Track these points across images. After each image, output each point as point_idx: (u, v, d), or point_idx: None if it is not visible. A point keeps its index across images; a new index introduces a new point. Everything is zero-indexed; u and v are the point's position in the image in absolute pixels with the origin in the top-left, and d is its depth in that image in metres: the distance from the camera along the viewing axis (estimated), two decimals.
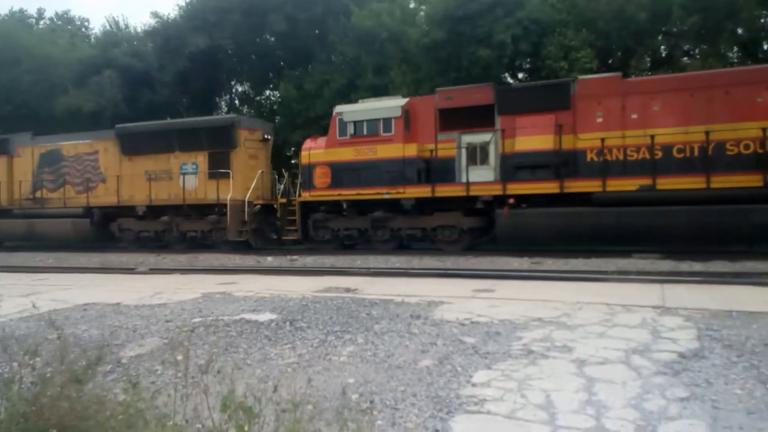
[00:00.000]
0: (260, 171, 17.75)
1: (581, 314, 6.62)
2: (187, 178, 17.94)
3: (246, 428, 2.77)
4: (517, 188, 13.75)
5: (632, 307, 6.89)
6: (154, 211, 18.40)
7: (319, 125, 20.03)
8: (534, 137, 13.64)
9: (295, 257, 15.09)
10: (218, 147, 17.50)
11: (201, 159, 17.80)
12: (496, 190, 13.98)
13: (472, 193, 14.26)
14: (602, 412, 3.76)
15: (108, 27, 28.75)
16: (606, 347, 5.19)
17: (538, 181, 13.61)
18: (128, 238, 19.16)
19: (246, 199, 16.92)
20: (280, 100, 24.89)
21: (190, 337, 6.10)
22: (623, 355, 4.93)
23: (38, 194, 20.41)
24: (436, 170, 14.74)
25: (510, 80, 21.27)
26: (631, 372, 4.51)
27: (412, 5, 24.56)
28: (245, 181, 17.20)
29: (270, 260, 15.07)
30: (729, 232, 12.01)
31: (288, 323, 6.69)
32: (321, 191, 15.79)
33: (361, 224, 15.80)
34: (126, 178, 18.77)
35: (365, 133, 15.21)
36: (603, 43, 19.24)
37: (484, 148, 14.52)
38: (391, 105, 15.21)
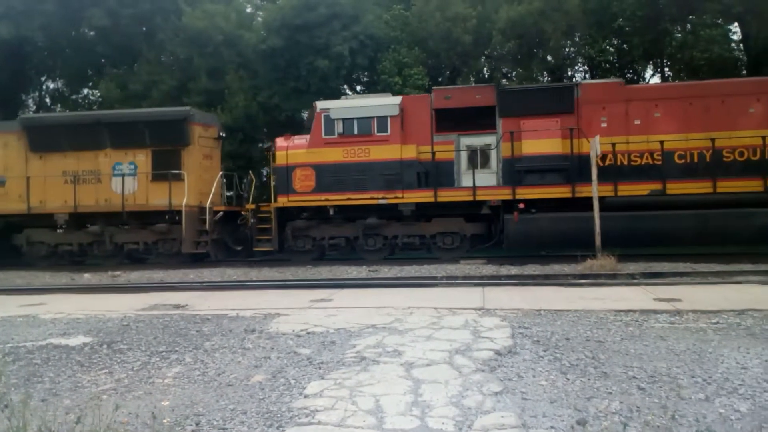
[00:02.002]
0: (220, 173, 15.70)
1: (412, 319, 6.90)
2: (120, 180, 15.16)
3: None
4: (527, 193, 13.29)
5: (457, 310, 7.35)
6: (78, 220, 15.45)
7: None
8: (542, 141, 13.26)
9: (117, 273, 13.80)
10: (165, 144, 15.11)
11: (142, 158, 15.24)
12: (505, 194, 13.40)
13: (478, 198, 13.54)
14: (426, 411, 3.93)
15: None
16: (432, 349, 5.45)
17: (549, 186, 13.27)
18: (39, 254, 15.82)
19: (207, 205, 14.83)
20: (101, 99, 22.80)
21: None
22: (447, 356, 5.22)
23: None
24: (433, 174, 13.85)
25: (348, 92, 21.76)
26: (454, 371, 4.79)
27: (249, 9, 24.06)
28: (199, 185, 15.13)
29: (87, 277, 13.63)
30: (733, 235, 12.66)
31: (105, 346, 6.10)
32: (303, 196, 14.18)
33: (350, 232, 14.46)
34: (36, 181, 15.46)
35: (356, 132, 13.96)
36: (433, 61, 20.49)
37: (485, 151, 14.00)
38: (387, 103, 14.15)
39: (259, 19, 22.65)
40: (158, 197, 15.02)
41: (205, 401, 4.37)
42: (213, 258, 15.36)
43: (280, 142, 14.70)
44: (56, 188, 15.41)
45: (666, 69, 20.34)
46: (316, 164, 14.07)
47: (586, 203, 12.65)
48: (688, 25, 18.97)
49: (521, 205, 13.23)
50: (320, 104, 14.43)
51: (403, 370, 4.85)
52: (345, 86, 21.59)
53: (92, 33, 22.45)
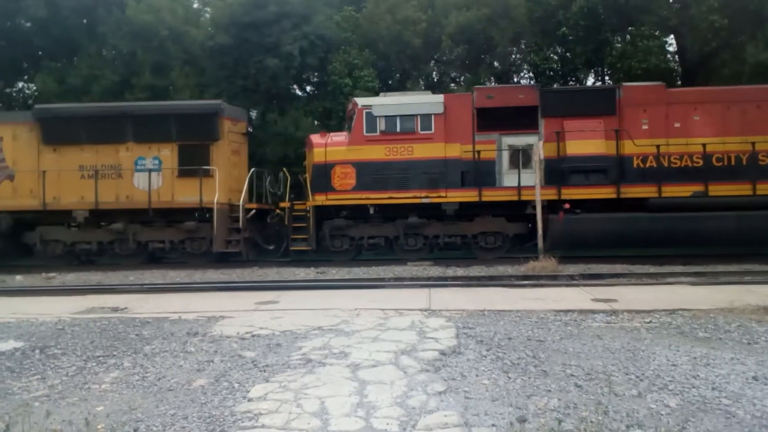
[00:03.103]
0: (252, 170, 14.87)
1: (359, 320, 6.92)
2: (143, 176, 14.27)
3: None
4: (572, 193, 13.26)
5: (403, 311, 7.41)
6: (97, 217, 14.54)
7: None
8: (586, 141, 13.29)
9: (52, 275, 13.17)
10: (193, 138, 14.36)
11: (167, 153, 14.40)
12: (551, 194, 13.27)
13: (524, 198, 13.36)
14: (371, 412, 3.95)
15: None
16: (379, 350, 5.48)
17: (594, 186, 13.27)
18: (54, 253, 14.71)
19: (241, 202, 14.11)
20: (36, 93, 21.76)
21: None
22: (393, 357, 5.26)
23: None
24: (476, 173, 13.60)
25: (299, 92, 21.56)
26: (399, 372, 4.83)
27: (195, 5, 23.49)
28: (229, 181, 14.47)
29: (19, 279, 12.98)
30: None
31: (38, 351, 5.84)
32: (342, 194, 13.82)
33: (389, 232, 14.16)
34: (50, 175, 14.34)
35: (398, 130, 13.70)
36: (384, 63, 20.57)
37: (526, 151, 13.76)
38: (431, 100, 13.91)
39: (207, 15, 22.17)
40: (185, 194, 14.32)
41: (144, 407, 4.25)
42: (244, 257, 14.72)
43: (316, 139, 14.34)
44: (72, 183, 14.43)
45: (606, 78, 21.10)
46: (357, 162, 13.79)
47: (628, 204, 13.05)
48: (628, 36, 19.74)
49: (567, 205, 13.15)
50: (361, 101, 14.19)
51: (349, 372, 4.86)
52: (295, 86, 21.40)
53: (29, 24, 21.41)
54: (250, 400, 4.29)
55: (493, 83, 20.26)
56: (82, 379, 4.98)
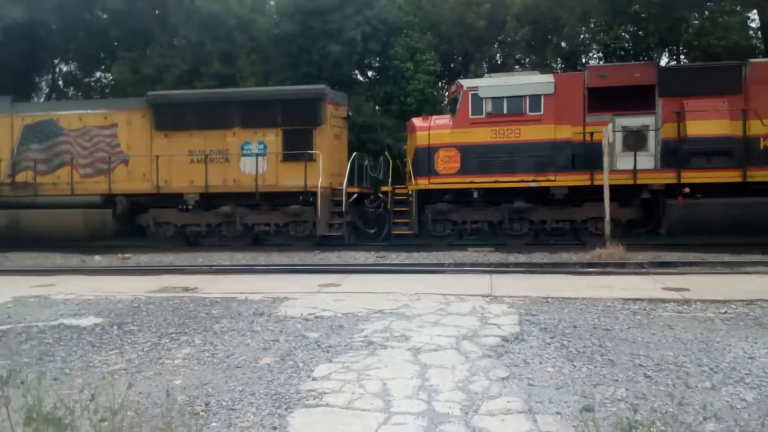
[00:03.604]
0: (354, 154, 15.03)
1: (419, 305, 6.93)
2: (249, 160, 14.72)
3: None
4: (693, 176, 12.59)
5: (465, 297, 7.37)
6: (206, 200, 15.08)
7: None
8: (710, 122, 12.54)
9: (127, 255, 13.93)
10: (297, 123, 14.61)
11: (271, 138, 14.73)
12: (669, 178, 12.74)
13: (639, 182, 12.92)
14: (433, 395, 3.96)
15: None
16: (440, 335, 5.48)
17: (717, 170, 12.50)
18: (165, 234, 15.48)
19: (344, 186, 14.36)
20: (113, 83, 22.88)
21: None
22: (454, 341, 5.24)
23: (20, 178, 15.62)
24: (587, 156, 13.02)
25: (360, 78, 21.66)
26: (461, 357, 4.81)
27: None
28: (330, 166, 14.66)
29: (98, 259, 13.79)
30: None
31: (116, 327, 6.18)
32: (446, 178, 13.65)
33: (493, 216, 13.89)
34: (162, 160, 14.97)
35: (505, 111, 13.35)
36: (446, 47, 20.34)
37: (641, 132, 13.22)
38: (541, 81, 13.54)
39: (272, 3, 22.55)
40: (288, 178, 14.60)
41: (214, 382, 4.42)
42: (346, 241, 14.91)
43: (418, 122, 14.22)
44: (182, 168, 15.02)
45: (682, 56, 20.04)
46: (462, 145, 13.54)
47: (754, 189, 12.36)
48: (706, 12, 18.66)
49: (686, 190, 12.55)
50: (467, 82, 13.94)
51: (410, 355, 4.88)
52: (356, 71, 21.51)
53: (105, 16, 22.48)
54: (314, 379, 4.39)
55: (559, 64, 19.65)
56: (156, 354, 5.23)
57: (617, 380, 4.23)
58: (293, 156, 14.47)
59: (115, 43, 22.95)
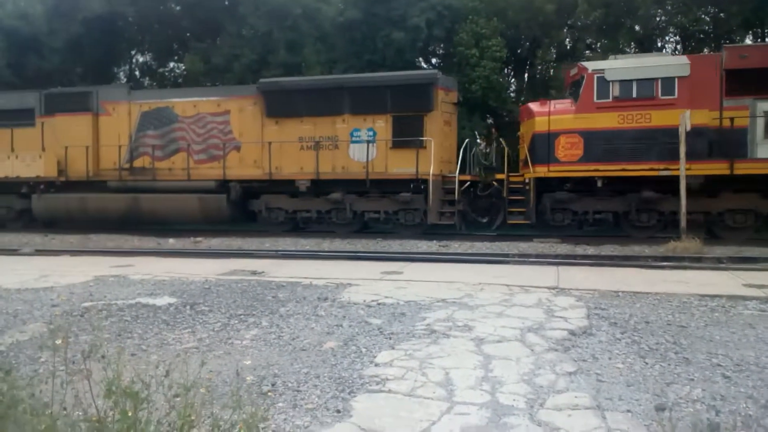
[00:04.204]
0: (467, 140, 14.61)
1: (482, 295, 6.85)
2: (359, 147, 14.56)
3: (130, 414, 2.61)
4: None
5: (530, 288, 7.22)
6: (317, 187, 15.01)
7: None
8: None
9: (199, 239, 14.48)
10: (407, 110, 14.29)
11: (381, 124, 14.51)
12: None
13: None
14: (497, 387, 3.90)
15: None
16: (504, 326, 5.39)
17: None
18: (276, 220, 15.58)
19: (456, 173, 13.95)
20: (185, 73, 23.70)
21: (78, 321, 5.73)
22: (519, 333, 5.14)
23: (138, 163, 16.10)
24: (724, 143, 12.17)
25: (424, 65, 21.48)
26: (526, 349, 4.72)
27: None
28: (441, 152, 14.31)
29: (172, 242, 14.40)
30: None
31: (188, 307, 6.44)
32: (567, 166, 12.96)
33: (619, 206, 13.15)
34: (273, 146, 15.02)
35: (634, 95, 12.52)
36: (512, 32, 19.83)
37: None
38: (675, 62, 12.70)
39: None
40: (398, 165, 14.36)
41: (280, 363, 4.53)
42: (458, 229, 14.52)
43: (536, 107, 13.59)
44: (292, 154, 15.03)
45: (767, 39, 18.74)
46: (585, 131, 12.81)
47: None
48: None
49: None
50: (592, 65, 13.24)
51: (473, 345, 4.84)
52: (420, 59, 21.35)
53: (178, 8, 23.29)
54: (377, 365, 4.43)
55: (633, 49, 18.79)
56: (226, 334, 5.41)
57: (693, 380, 4.04)
58: (403, 143, 14.25)
59: (187, 34, 23.76)
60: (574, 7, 18.41)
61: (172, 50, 25.19)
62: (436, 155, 13.94)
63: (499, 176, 14.09)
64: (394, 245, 13.03)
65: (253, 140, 15.33)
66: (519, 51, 20.52)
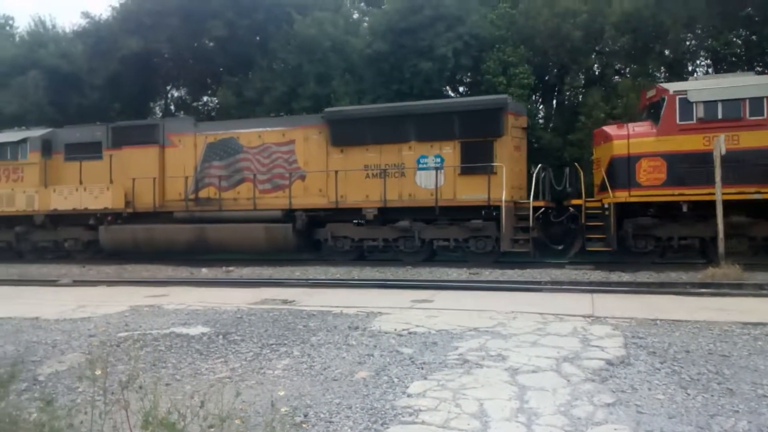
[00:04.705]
0: (539, 165, 14.25)
1: (515, 323, 6.74)
2: (426, 174, 14.52)
3: None
4: None
5: (564, 317, 7.08)
6: (383, 215, 14.88)
7: None
8: None
9: (231, 268, 14.66)
10: (476, 135, 14.16)
11: (448, 150, 14.39)
12: None
13: None
14: (533, 419, 3.81)
15: (34, 26, 27.40)
16: (538, 355, 5.29)
17: None
18: (342, 248, 15.48)
19: (530, 200, 13.65)
20: (218, 106, 24.36)
21: (114, 352, 5.82)
22: (554, 363, 5.03)
23: (204, 193, 16.40)
24: None
25: (451, 94, 21.65)
26: (562, 379, 4.61)
27: (355, 16, 24.66)
28: (511, 178, 14.03)
29: (204, 272, 14.62)
30: None
31: (221, 336, 6.49)
32: (650, 190, 12.57)
33: (705, 232, 12.50)
34: (338, 175, 15.09)
35: (720, 116, 12.13)
36: (540, 59, 19.88)
37: None
38: (764, 81, 12.36)
39: (365, 24, 23.14)
40: (467, 191, 14.15)
41: (312, 394, 4.52)
42: (532, 257, 14.13)
43: (613, 130, 13.24)
44: (357, 182, 15.03)
45: None
46: (668, 154, 12.40)
47: None
48: None
49: None
50: (673, 86, 12.94)
51: (507, 375, 4.75)
52: (447, 87, 21.53)
53: (212, 44, 24.05)
54: (409, 395, 4.37)
55: (664, 73, 18.63)
56: (258, 364, 5.43)
57: (737, 411, 3.89)
58: (473, 169, 14.07)
59: (220, 69, 24.48)
60: (601, 32, 18.39)
61: (206, 85, 25.95)
62: (507, 181, 13.64)
63: (575, 201, 13.73)
64: (424, 273, 12.97)
65: (318, 169, 15.41)
66: (547, 78, 20.52)
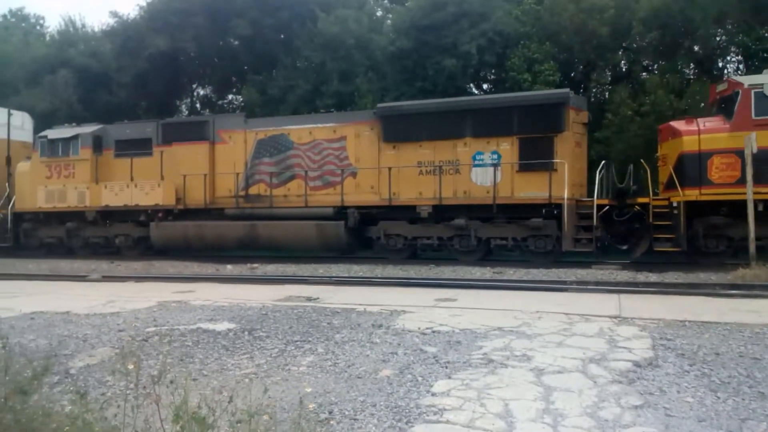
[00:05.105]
0: (603, 162, 13.93)
1: (541, 324, 6.69)
2: (482, 171, 14.13)
3: None
4: None
5: (590, 317, 7.00)
6: (438, 213, 14.52)
7: None
8: None
9: (255, 265, 14.80)
10: (536, 131, 13.73)
11: (506, 147, 13.98)
12: None
13: None
14: (559, 420, 3.78)
15: (64, 26, 28.03)
16: (564, 356, 5.24)
17: None
18: (395, 246, 15.12)
19: (594, 198, 13.09)
20: (243, 104, 24.62)
21: (143, 346, 5.93)
22: (580, 364, 4.98)
23: (254, 190, 16.31)
24: None
25: (475, 91, 21.55)
26: (588, 380, 4.57)
27: (379, 13, 24.71)
28: (572, 175, 13.54)
29: (230, 268, 14.78)
30: None
31: (246, 333, 6.56)
32: (723, 188, 12.03)
33: None
34: (391, 171, 14.75)
35: None
36: (565, 56, 19.69)
37: None
38: None
39: (389, 22, 23.16)
40: (526, 189, 13.76)
41: (336, 391, 4.54)
42: (596, 257, 13.67)
43: (682, 125, 12.70)
44: (410, 179, 14.72)
45: None
46: (743, 150, 11.68)
47: None
48: None
49: None
50: (747, 79, 12.38)
51: (532, 376, 4.72)
52: (471, 85, 21.43)
53: (237, 42, 24.33)
54: (433, 394, 4.37)
55: (693, 70, 18.29)
56: (283, 360, 5.48)
57: None
58: (532, 165, 13.61)
59: (245, 67, 24.75)
60: (629, 29, 18.14)
61: (231, 83, 26.26)
62: (569, 178, 13.18)
63: (641, 200, 13.24)
64: (447, 271, 12.94)
65: (370, 166, 15.15)
66: (573, 74, 20.31)
